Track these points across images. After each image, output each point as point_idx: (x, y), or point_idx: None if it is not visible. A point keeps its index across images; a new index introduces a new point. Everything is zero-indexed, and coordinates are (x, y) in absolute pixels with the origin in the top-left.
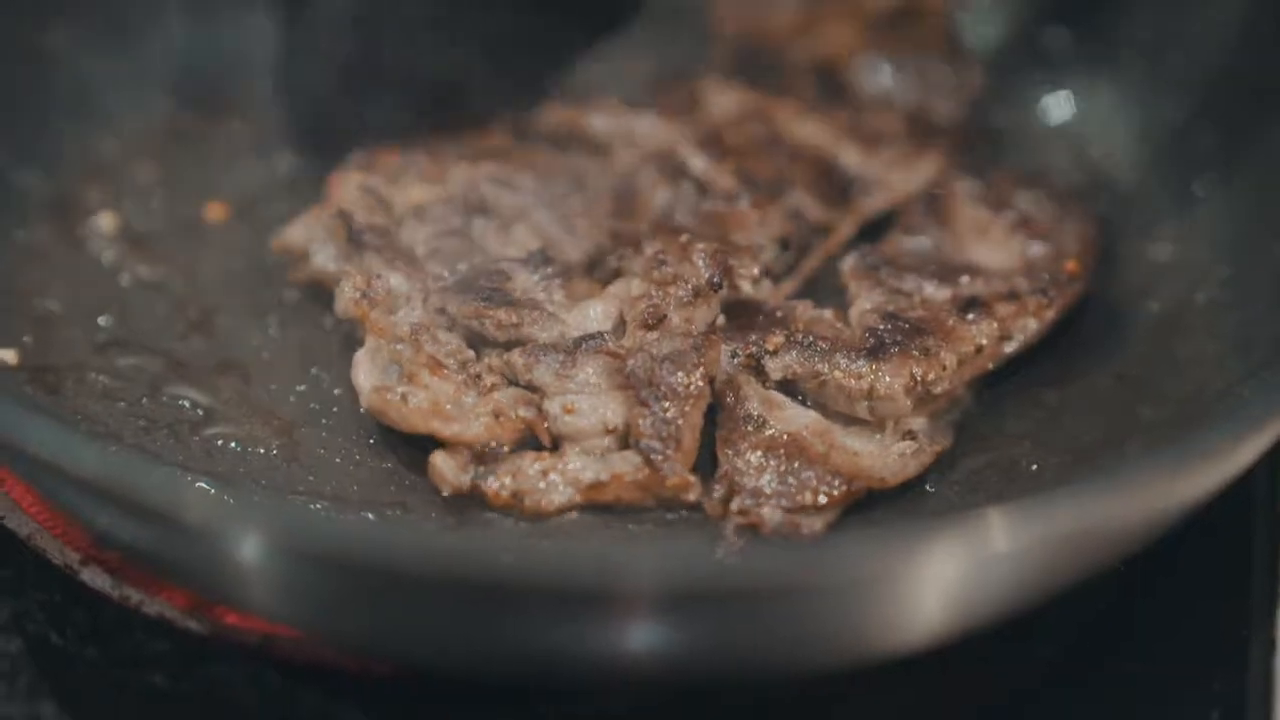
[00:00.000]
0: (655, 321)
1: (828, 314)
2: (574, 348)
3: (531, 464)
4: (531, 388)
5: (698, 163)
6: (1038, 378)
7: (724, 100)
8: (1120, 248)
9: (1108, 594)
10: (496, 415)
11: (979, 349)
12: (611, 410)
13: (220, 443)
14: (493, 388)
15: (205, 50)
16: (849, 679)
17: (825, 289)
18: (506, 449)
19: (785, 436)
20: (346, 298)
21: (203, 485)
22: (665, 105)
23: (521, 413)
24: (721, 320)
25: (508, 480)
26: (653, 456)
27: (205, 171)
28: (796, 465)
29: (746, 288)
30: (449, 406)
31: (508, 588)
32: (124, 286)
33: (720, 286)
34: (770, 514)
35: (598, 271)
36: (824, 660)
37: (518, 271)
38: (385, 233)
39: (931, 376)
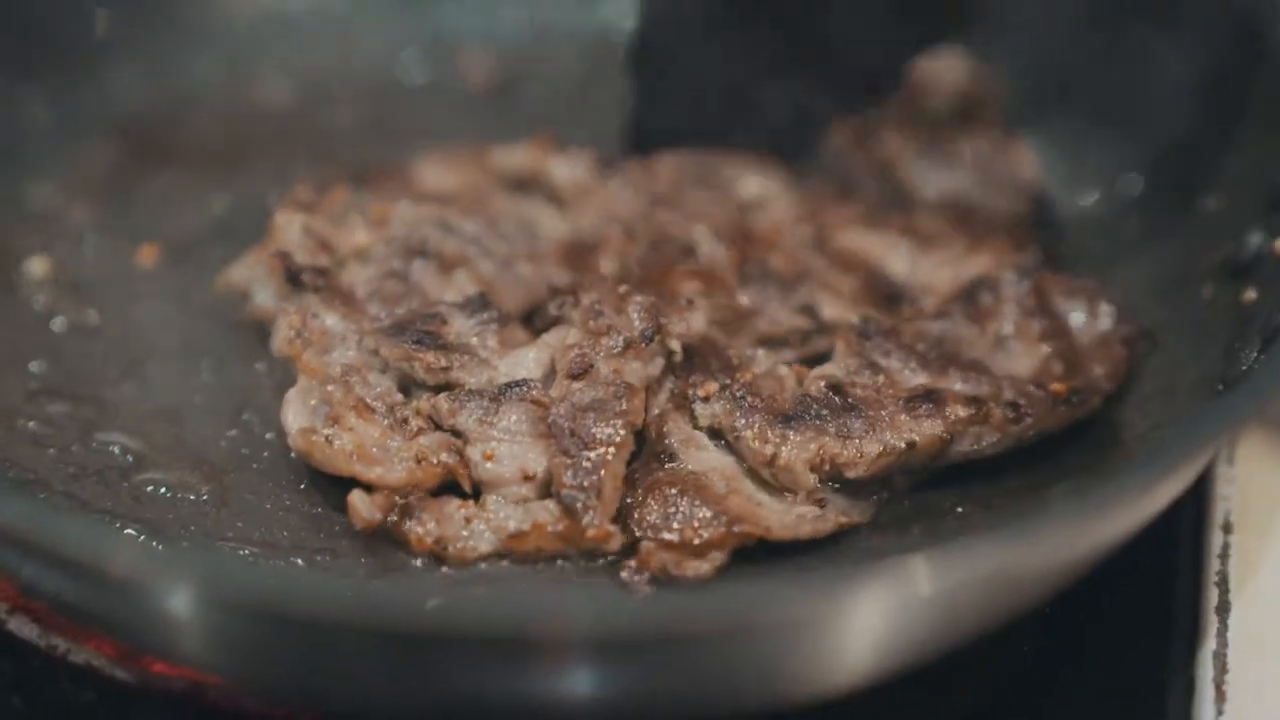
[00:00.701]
0: (582, 371)
1: (785, 370)
2: (499, 395)
3: (455, 510)
4: (456, 433)
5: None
6: None
7: (774, 206)
8: None
9: (1037, 634)
10: (419, 460)
11: (911, 445)
12: (532, 458)
13: (150, 489)
14: (419, 432)
15: (140, 95)
16: None
17: None
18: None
19: (689, 474)
20: (281, 336)
21: (128, 534)
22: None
23: (443, 458)
24: (678, 358)
25: (431, 526)
26: (574, 506)
27: (139, 216)
28: (686, 501)
29: (675, 346)
30: (373, 450)
31: (431, 634)
32: (56, 332)
33: (652, 340)
34: (658, 553)
35: (537, 319)
36: (739, 704)
37: (455, 316)
38: (325, 273)
39: (843, 459)
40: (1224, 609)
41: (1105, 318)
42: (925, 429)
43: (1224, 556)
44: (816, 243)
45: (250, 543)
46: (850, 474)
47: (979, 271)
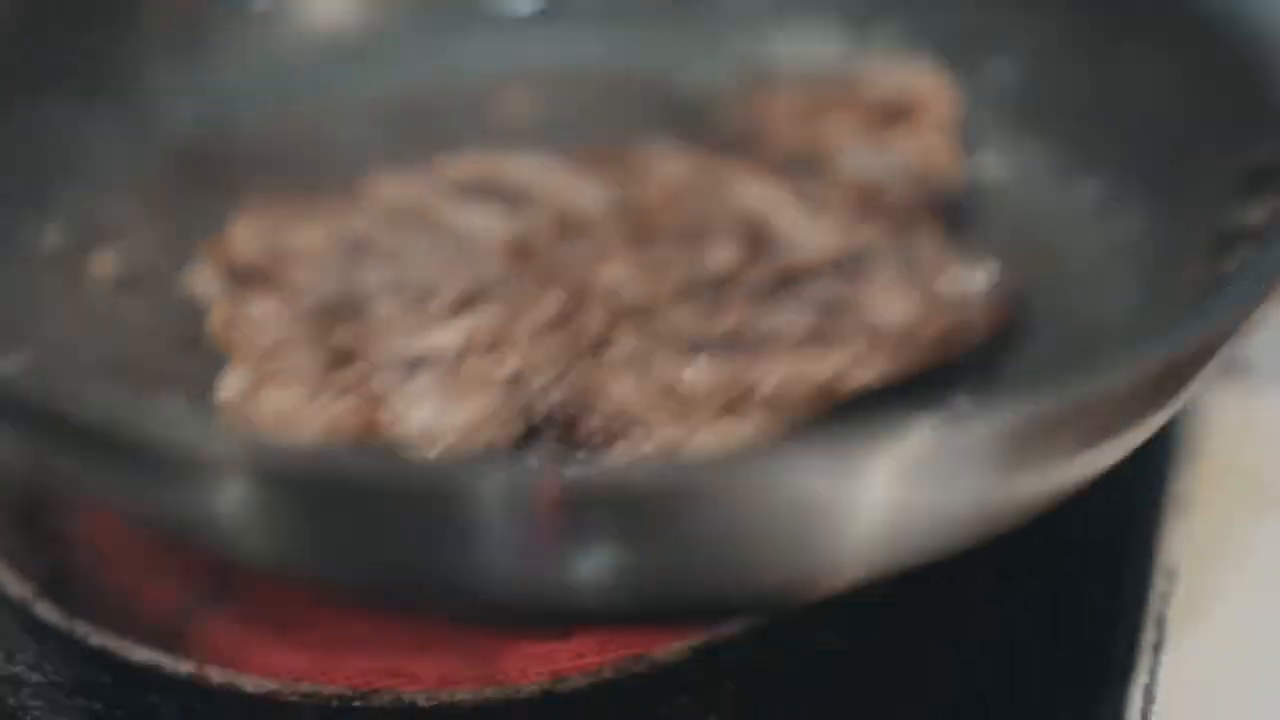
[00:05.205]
0: (493, 345)
1: (692, 320)
2: (413, 363)
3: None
4: (371, 399)
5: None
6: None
7: (668, 166)
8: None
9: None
10: (330, 428)
11: (804, 378)
12: (438, 420)
13: None
14: (334, 400)
15: (195, 117)
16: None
17: None
18: None
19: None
20: (213, 321)
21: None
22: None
23: (354, 422)
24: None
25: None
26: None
27: (195, 222)
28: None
29: (584, 341)
30: (289, 419)
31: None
32: (118, 320)
33: (567, 321)
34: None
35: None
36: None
37: (381, 295)
38: (265, 268)
39: (743, 385)
40: (1159, 647)
41: (982, 278)
42: (817, 366)
43: (1166, 598)
44: (709, 194)
45: None
46: (749, 401)
47: (865, 239)
